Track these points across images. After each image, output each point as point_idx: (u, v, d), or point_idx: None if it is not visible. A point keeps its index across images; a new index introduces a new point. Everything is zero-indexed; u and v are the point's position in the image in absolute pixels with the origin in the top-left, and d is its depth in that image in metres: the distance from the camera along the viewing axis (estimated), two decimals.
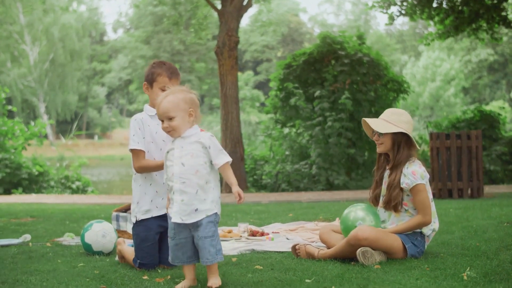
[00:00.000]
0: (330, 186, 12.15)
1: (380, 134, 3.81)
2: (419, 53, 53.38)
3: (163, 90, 3.73)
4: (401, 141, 3.80)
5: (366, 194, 10.01)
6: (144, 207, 3.77)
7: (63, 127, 50.63)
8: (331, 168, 12.20)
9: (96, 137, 53.07)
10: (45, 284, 3.28)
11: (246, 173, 13.04)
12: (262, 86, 53.88)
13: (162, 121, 3.26)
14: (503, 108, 13.97)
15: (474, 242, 4.28)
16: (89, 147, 46.46)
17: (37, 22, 45.34)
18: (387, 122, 3.81)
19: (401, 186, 3.75)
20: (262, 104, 47.34)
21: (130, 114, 60.75)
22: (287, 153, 13.05)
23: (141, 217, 3.77)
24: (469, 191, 8.81)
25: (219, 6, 12.50)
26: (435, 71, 46.88)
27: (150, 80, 3.84)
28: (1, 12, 41.41)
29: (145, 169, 3.73)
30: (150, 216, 3.75)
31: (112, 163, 37.46)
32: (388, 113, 3.88)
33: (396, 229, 3.79)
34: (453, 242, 4.32)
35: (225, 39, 11.66)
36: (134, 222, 3.83)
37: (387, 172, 3.90)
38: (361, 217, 3.83)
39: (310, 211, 7.24)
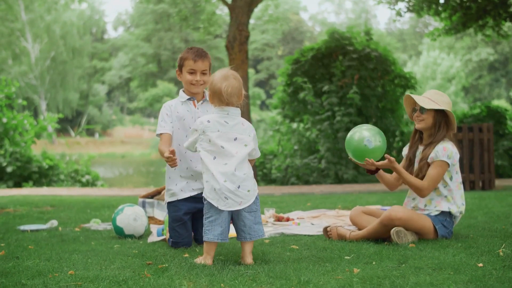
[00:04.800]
0: (339, 180, 12.24)
1: (423, 111, 3.90)
2: (419, 52, 53.50)
3: (191, 73, 3.88)
4: (442, 120, 3.89)
5: (376, 187, 10.13)
6: (170, 190, 3.94)
7: (64, 125, 50.61)
8: (340, 163, 12.28)
9: (97, 134, 53.09)
10: (90, 261, 3.35)
11: (256, 167, 13.13)
12: (263, 84, 53.93)
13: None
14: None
15: (499, 225, 4.38)
16: (90, 145, 46.49)
17: (38, 20, 45.31)
18: (431, 100, 3.90)
19: (427, 160, 3.84)
20: (264, 103, 47.37)
21: (131, 112, 60.79)
22: (295, 147, 13.13)
23: (168, 199, 3.97)
24: (481, 184, 8.91)
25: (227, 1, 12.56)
26: (435, 70, 46.98)
27: (180, 66, 3.95)
28: (3, 9, 41.38)
29: (160, 153, 3.75)
30: (175, 199, 3.91)
31: (114, 161, 37.51)
32: (432, 92, 3.98)
33: (401, 172, 3.80)
34: (479, 225, 4.41)
35: (236, 33, 11.74)
36: (166, 203, 4.01)
37: (419, 150, 3.99)
38: (367, 136, 3.66)
39: (326, 201, 7.32)
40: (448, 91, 45.79)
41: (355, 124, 12.31)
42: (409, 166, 4.04)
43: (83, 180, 13.35)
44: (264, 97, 47.09)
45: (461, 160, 8.86)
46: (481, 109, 13.17)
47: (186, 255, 3.53)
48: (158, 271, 3.01)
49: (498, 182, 10.19)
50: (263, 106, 49.46)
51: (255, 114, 41.53)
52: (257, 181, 12.66)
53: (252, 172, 3.37)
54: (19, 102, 13.40)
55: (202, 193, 3.89)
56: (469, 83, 48.00)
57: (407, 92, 13.34)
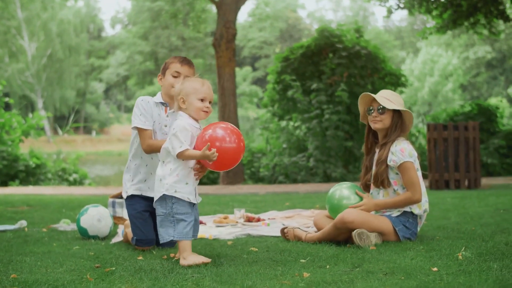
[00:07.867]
0: (328, 179, 12.14)
1: (382, 112, 3.81)
2: (418, 50, 53.35)
3: (175, 77, 3.80)
4: (398, 121, 3.81)
5: None
6: (137, 184, 3.88)
7: (60, 123, 50.53)
8: (329, 161, 12.19)
9: (94, 132, 52.99)
10: (39, 264, 3.27)
11: (244, 165, 13.03)
12: (260, 82, 53.82)
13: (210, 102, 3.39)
14: (501, 101, 13.96)
15: (470, 227, 4.29)
16: (87, 143, 46.40)
17: (35, 18, 45.17)
18: (390, 101, 3.81)
19: (389, 163, 3.75)
20: (261, 99, 47.27)
21: (128, 110, 60.64)
22: (284, 146, 13.04)
23: (132, 192, 3.88)
24: (466, 182, 8.82)
25: None
26: (433, 67, 46.82)
27: (164, 69, 3.90)
28: None
29: (154, 148, 3.71)
30: (140, 194, 3.86)
31: (110, 159, 37.39)
32: (387, 92, 3.88)
33: (384, 203, 3.77)
34: (449, 227, 4.32)
35: (223, 31, 11.64)
36: (125, 198, 3.91)
37: (376, 153, 3.90)
38: (347, 196, 3.86)
39: (307, 200, 7.24)
40: (445, 88, 45.64)
41: (344, 122, 12.23)
42: (366, 174, 3.95)
43: (71, 179, 13.25)
44: (261, 95, 47.02)
45: (446, 159, 8.77)
46: (472, 107, 13.08)
47: (140, 257, 3.44)
48: (102, 274, 2.92)
49: (486, 181, 10.10)
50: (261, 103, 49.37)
51: (252, 112, 41.47)
52: (244, 179, 12.57)
53: (165, 174, 3.27)
54: (6, 100, 13.28)
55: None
56: (466, 80, 47.85)
57: (398, 90, 13.23)
